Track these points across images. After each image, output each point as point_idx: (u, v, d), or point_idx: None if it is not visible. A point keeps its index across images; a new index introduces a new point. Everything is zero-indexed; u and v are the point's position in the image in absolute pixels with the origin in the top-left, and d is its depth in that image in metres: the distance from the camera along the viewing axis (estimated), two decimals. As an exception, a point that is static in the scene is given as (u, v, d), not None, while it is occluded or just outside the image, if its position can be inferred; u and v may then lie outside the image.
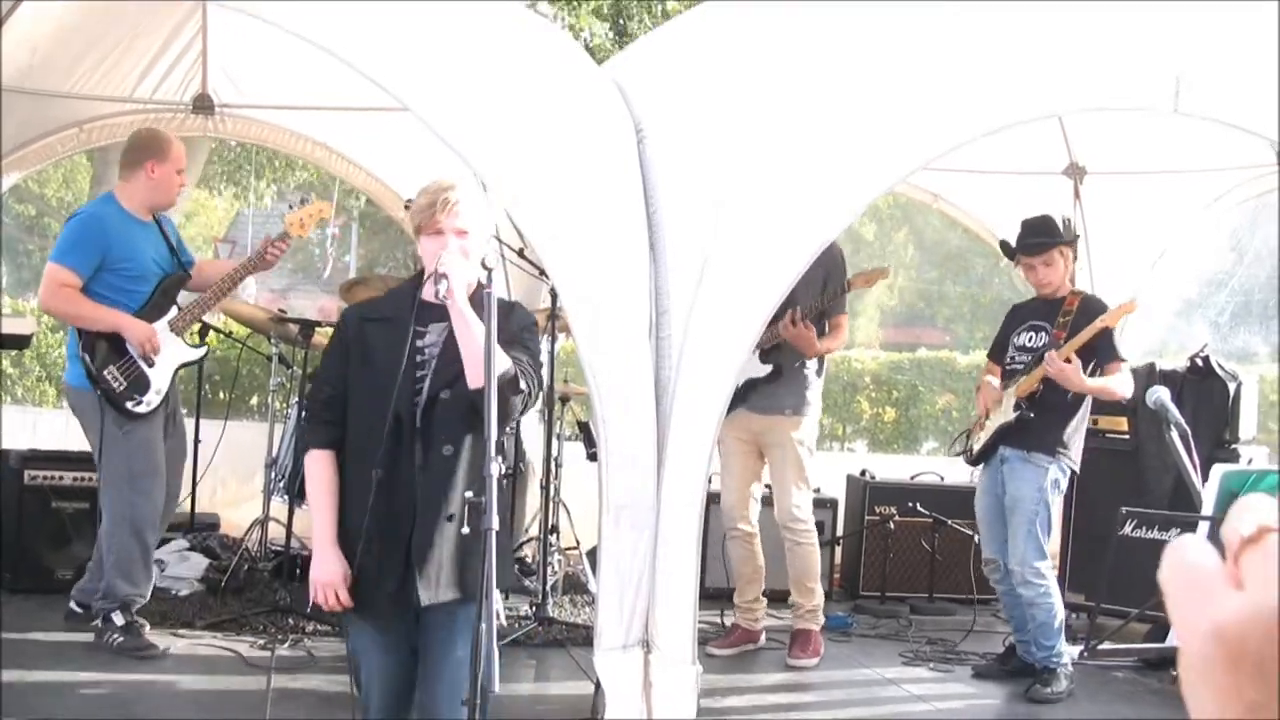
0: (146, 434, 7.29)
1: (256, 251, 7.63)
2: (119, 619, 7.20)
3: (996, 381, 8.08)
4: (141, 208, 7.46)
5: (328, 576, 4.48)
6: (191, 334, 7.95)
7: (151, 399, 7.28)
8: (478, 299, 4.32)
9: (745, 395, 8.02)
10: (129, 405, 7.20)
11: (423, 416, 4.41)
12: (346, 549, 4.52)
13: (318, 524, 4.59)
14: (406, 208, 6.02)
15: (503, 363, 4.30)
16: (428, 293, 4.35)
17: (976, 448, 7.98)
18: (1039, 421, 7.73)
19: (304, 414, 4.84)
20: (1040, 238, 7.90)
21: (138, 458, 7.23)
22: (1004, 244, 8.12)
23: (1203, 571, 0.90)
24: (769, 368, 8.03)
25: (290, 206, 7.76)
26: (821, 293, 8.01)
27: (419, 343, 4.49)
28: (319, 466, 4.59)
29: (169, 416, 7.55)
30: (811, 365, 8.21)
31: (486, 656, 3.70)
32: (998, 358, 8.24)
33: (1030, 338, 7.92)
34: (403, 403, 4.39)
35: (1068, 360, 7.47)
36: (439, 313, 4.44)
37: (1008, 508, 7.79)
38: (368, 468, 4.39)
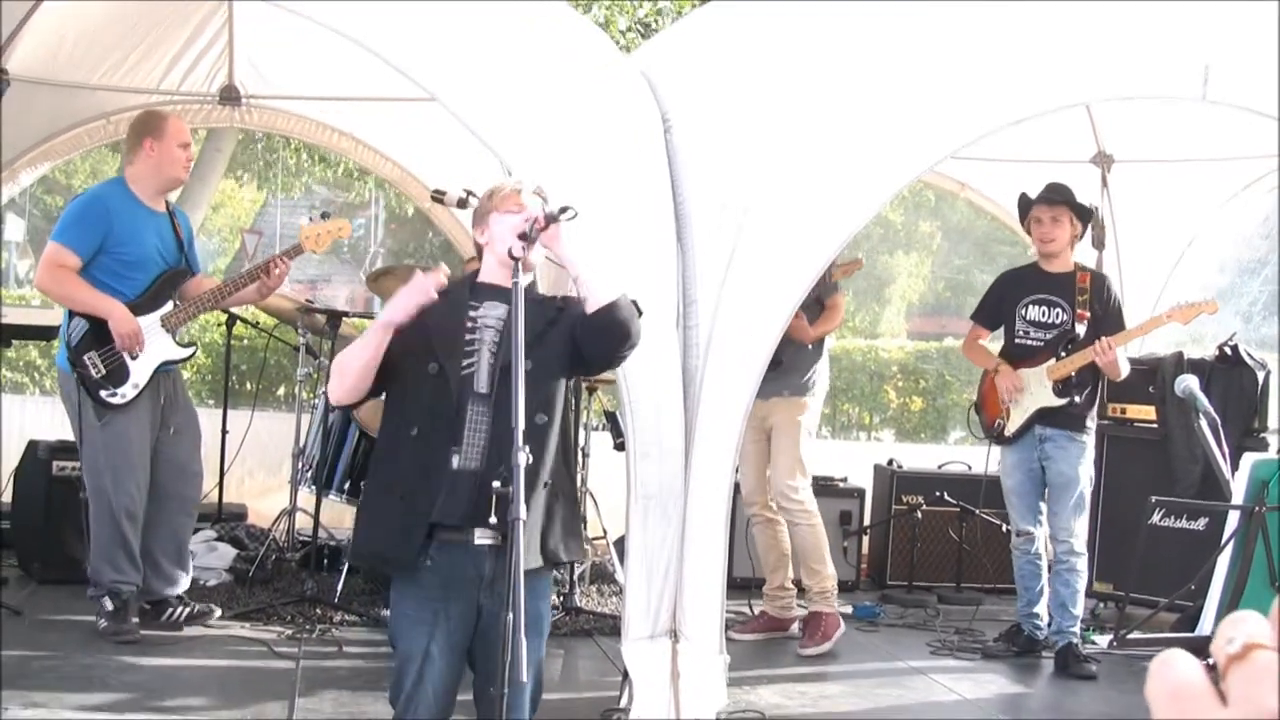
0: (125, 426, 7.19)
1: (261, 265, 7.47)
2: (108, 604, 7.19)
3: (988, 345, 8.45)
4: (150, 192, 7.36)
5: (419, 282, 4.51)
6: (191, 332, 7.83)
7: (128, 391, 7.16)
8: (536, 284, 4.66)
9: None
10: (103, 394, 7.10)
11: (500, 386, 4.44)
12: (382, 503, 4.61)
13: (366, 333, 4.61)
14: (434, 198, 6.03)
15: (613, 291, 4.59)
16: (518, 248, 4.39)
17: (1012, 430, 8.03)
18: (1076, 401, 7.94)
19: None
20: (1057, 194, 8.09)
21: (114, 450, 7.17)
22: (1023, 195, 8.24)
23: (1189, 688, 0.89)
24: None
25: (309, 219, 7.66)
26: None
27: (470, 313, 4.57)
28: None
29: (163, 407, 7.43)
30: (812, 348, 8.23)
31: (514, 647, 3.70)
32: (988, 323, 8.45)
33: (1044, 313, 8.05)
34: (450, 362, 4.47)
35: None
36: (497, 294, 4.55)
37: (1057, 485, 7.99)
38: (425, 436, 4.49)
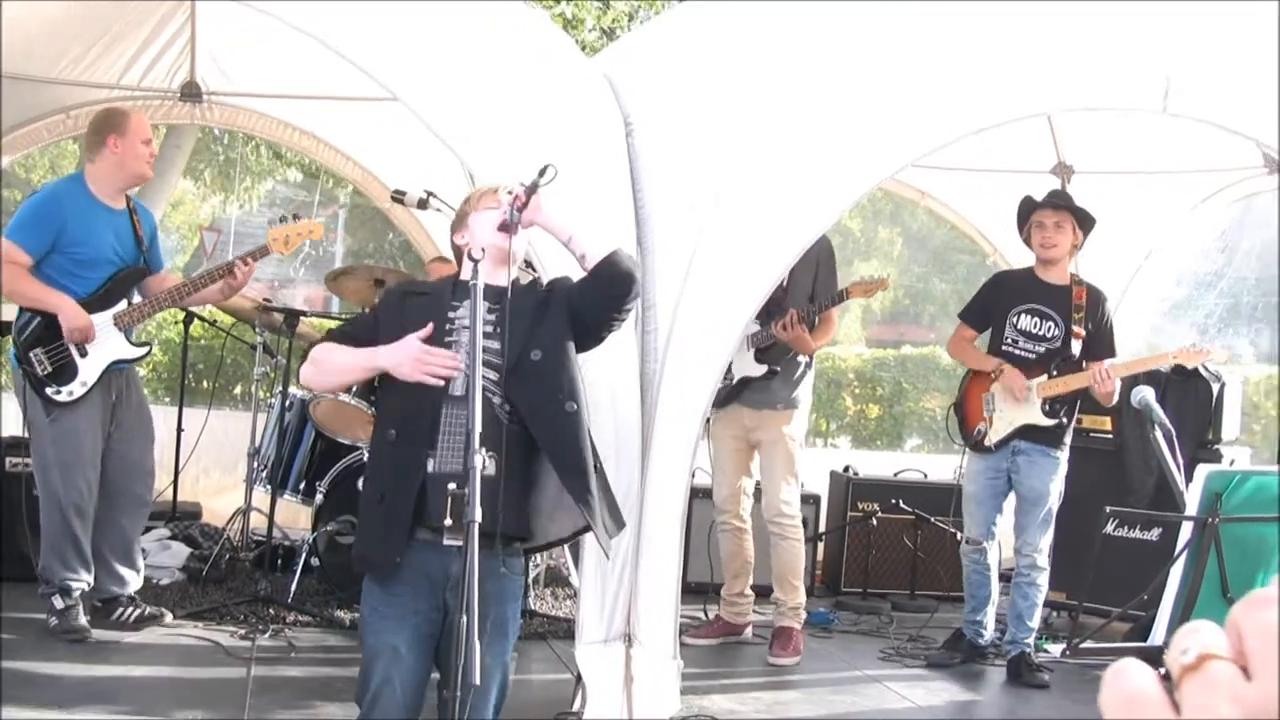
0: (74, 423, 7.13)
1: (224, 266, 7.35)
2: (59, 603, 7.16)
3: (977, 344, 8.32)
4: (111, 190, 7.30)
5: (411, 345, 4.47)
6: (148, 330, 7.74)
7: (75, 389, 7.09)
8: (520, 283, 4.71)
9: (739, 392, 8.07)
10: (48, 391, 7.05)
11: (513, 380, 4.50)
12: (367, 509, 4.65)
13: (362, 353, 4.57)
14: (394, 198, 6.03)
15: (609, 244, 4.72)
16: (477, 249, 4.42)
17: (994, 440, 7.98)
18: (1064, 422, 7.94)
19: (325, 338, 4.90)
20: (1062, 199, 8.10)
21: (63, 446, 7.12)
22: (1027, 198, 8.12)
23: (1143, 697, 0.89)
24: (764, 368, 8.02)
25: (283, 219, 7.56)
26: (812, 288, 8.01)
27: (450, 314, 4.60)
28: (332, 344, 4.70)
29: (114, 405, 7.37)
30: (802, 360, 8.21)
31: (468, 649, 3.69)
32: (977, 324, 8.31)
33: (1036, 324, 7.95)
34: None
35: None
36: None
37: (1028, 499, 7.94)
38: (403, 440, 4.49)
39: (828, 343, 8.58)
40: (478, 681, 3.69)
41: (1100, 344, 7.89)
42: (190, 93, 9.63)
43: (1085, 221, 7.97)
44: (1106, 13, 5.97)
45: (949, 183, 10.46)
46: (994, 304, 8.17)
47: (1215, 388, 9.10)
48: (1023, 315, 7.98)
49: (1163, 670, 0.93)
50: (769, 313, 7.92)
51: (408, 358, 4.40)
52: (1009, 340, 8.01)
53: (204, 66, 9.57)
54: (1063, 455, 7.97)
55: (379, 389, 4.79)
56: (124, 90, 9.30)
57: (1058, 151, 9.90)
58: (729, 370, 8.05)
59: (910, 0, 6.24)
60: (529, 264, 5.96)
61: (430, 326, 4.47)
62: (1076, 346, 7.86)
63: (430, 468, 4.39)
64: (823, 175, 6.07)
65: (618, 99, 6.51)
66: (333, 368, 4.63)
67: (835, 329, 8.49)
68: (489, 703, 4.47)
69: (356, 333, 4.71)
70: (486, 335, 4.49)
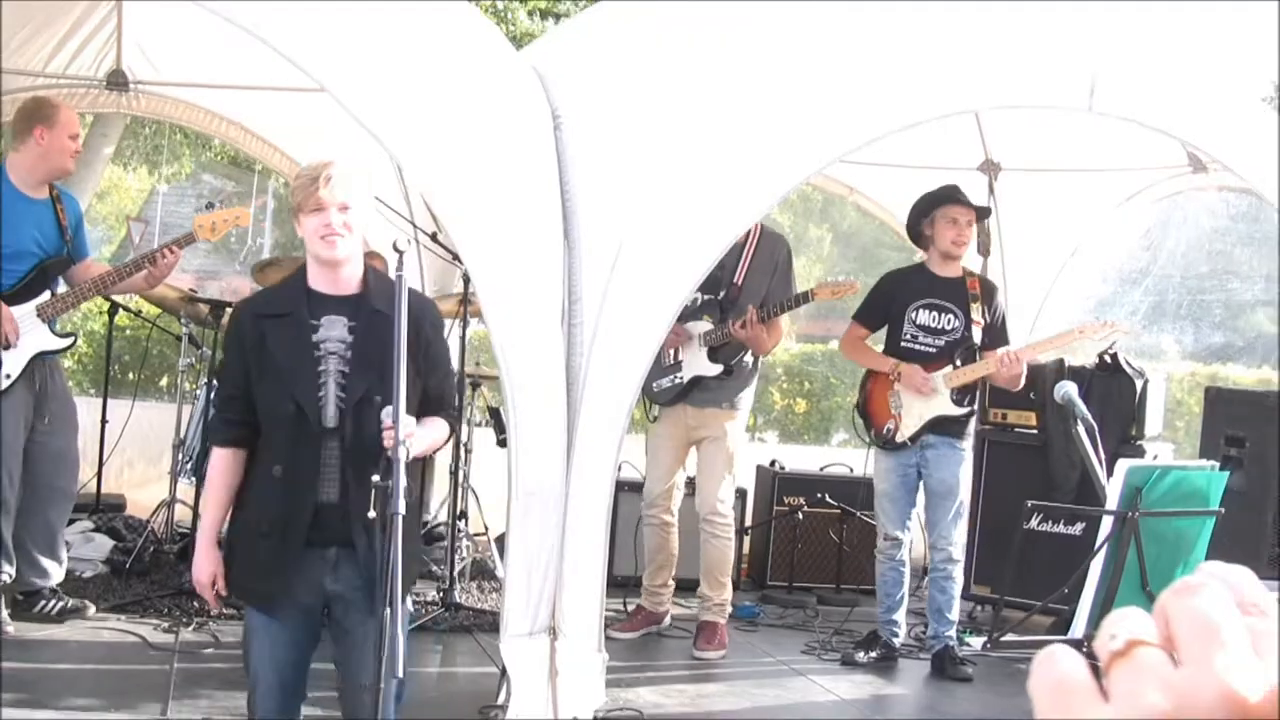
0: None
1: (148, 254, 7.29)
2: None
3: (871, 344, 8.32)
4: (33, 181, 7.21)
5: (198, 575, 4.62)
6: (73, 320, 7.65)
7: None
8: (371, 283, 4.55)
9: (688, 392, 8.05)
10: None
11: (352, 417, 4.40)
12: (248, 541, 4.58)
13: (203, 520, 4.65)
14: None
15: (440, 433, 4.68)
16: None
17: (905, 436, 7.97)
18: (973, 411, 8.02)
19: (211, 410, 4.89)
20: (968, 198, 8.05)
21: None
22: (936, 192, 8.09)
23: (1071, 683, 0.90)
24: (719, 367, 8.00)
25: (210, 205, 7.49)
26: (766, 292, 8.01)
27: (313, 337, 4.47)
28: (216, 464, 4.66)
29: (38, 396, 7.25)
30: (749, 360, 8.22)
31: (392, 642, 3.69)
32: (873, 323, 8.28)
33: (934, 318, 7.96)
34: (306, 399, 4.40)
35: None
36: (333, 305, 4.48)
37: (938, 493, 7.99)
38: (288, 475, 4.45)
39: (776, 345, 8.59)
40: (400, 674, 3.69)
41: (994, 334, 7.98)
42: (117, 81, 9.53)
43: (984, 216, 8.08)
44: (1033, 11, 6.02)
45: (877, 178, 10.49)
46: (890, 302, 8.15)
47: (1139, 384, 9.18)
48: (921, 310, 7.99)
49: (1090, 655, 0.93)
50: (723, 311, 7.94)
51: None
52: (908, 336, 8.02)
53: (130, 55, 9.46)
54: (968, 446, 8.07)
55: (260, 414, 4.64)
56: (49, 78, 9.20)
57: (985, 148, 9.95)
58: (679, 369, 8.06)
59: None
60: (455, 256, 5.93)
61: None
62: (978, 334, 7.92)
63: (320, 497, 4.39)
64: (750, 170, 6.09)
65: (547, 92, 6.51)
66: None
67: (782, 333, 8.50)
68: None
69: (234, 397, 4.61)
70: (340, 357, 4.44)
